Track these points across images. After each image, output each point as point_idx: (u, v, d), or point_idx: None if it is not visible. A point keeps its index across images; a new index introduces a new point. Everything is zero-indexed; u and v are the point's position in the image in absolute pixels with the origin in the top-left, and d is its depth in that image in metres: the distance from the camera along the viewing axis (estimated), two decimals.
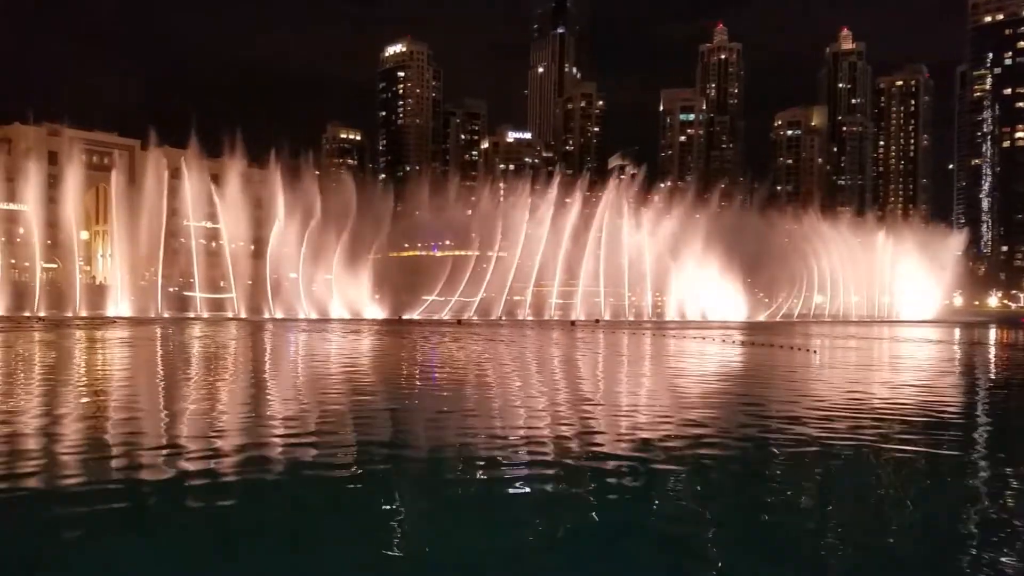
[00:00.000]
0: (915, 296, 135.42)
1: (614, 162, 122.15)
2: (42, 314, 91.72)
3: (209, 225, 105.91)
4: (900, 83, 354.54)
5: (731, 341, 41.33)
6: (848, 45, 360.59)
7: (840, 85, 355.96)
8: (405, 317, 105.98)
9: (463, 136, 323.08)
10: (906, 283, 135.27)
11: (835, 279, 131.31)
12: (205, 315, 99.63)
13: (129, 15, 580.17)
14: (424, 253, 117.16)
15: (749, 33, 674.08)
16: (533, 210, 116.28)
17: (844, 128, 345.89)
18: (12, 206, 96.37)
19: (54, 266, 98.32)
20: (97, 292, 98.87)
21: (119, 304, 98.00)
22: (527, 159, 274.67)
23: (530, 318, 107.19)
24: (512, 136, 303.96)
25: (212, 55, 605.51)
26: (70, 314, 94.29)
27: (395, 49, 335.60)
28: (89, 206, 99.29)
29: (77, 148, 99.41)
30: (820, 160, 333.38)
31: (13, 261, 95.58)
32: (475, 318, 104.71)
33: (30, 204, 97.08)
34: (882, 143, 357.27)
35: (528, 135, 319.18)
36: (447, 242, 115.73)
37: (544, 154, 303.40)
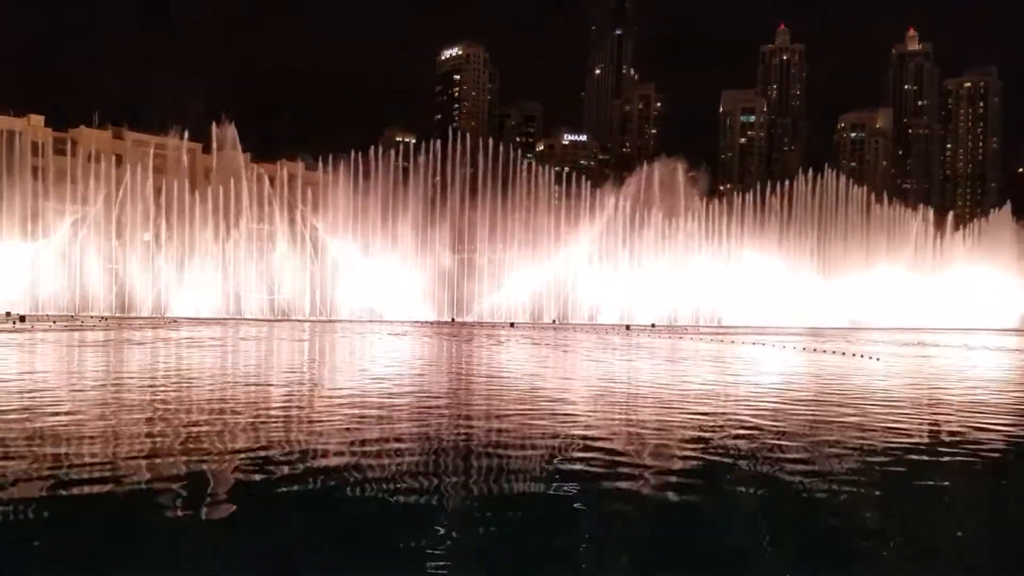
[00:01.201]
0: (993, 302, 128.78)
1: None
2: (106, 314, 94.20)
3: (268, 227, 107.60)
4: (968, 84, 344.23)
5: (806, 349, 40.01)
6: (915, 46, 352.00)
7: (906, 87, 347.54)
8: (458, 319, 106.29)
9: (518, 138, 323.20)
10: (985, 287, 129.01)
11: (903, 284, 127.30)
12: (268, 316, 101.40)
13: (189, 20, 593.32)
14: (476, 256, 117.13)
15: (812, 34, 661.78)
16: (591, 212, 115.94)
17: (910, 131, 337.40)
18: (77, 207, 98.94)
19: (117, 267, 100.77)
20: (158, 293, 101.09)
21: (180, 305, 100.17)
22: (583, 161, 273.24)
23: (584, 322, 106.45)
24: (568, 138, 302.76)
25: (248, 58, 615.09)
26: (132, 314, 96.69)
27: (451, 52, 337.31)
28: (152, 208, 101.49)
29: (141, 151, 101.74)
30: (885, 163, 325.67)
31: (79, 262, 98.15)
32: (527, 321, 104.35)
33: (95, 206, 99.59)
34: (949, 146, 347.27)
35: (584, 137, 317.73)
36: (500, 245, 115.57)
37: (600, 156, 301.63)
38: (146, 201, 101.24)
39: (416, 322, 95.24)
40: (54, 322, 64.73)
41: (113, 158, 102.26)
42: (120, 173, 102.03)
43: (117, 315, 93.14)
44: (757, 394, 20.04)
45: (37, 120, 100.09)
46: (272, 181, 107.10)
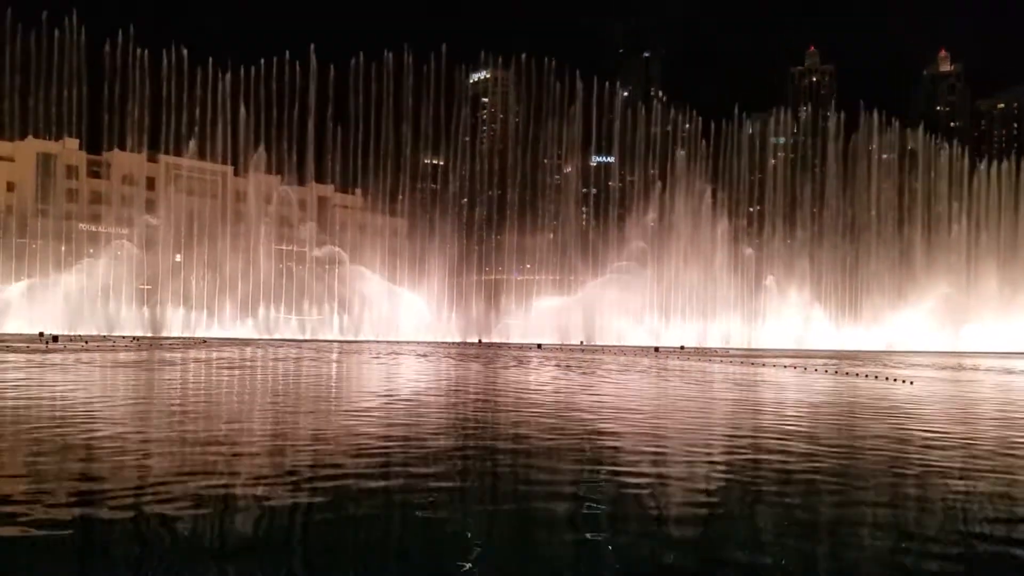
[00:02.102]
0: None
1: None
2: (138, 334, 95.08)
3: (297, 249, 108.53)
4: (1002, 105, 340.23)
5: (839, 372, 39.28)
6: (946, 67, 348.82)
7: (938, 108, 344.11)
8: (484, 340, 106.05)
9: (545, 160, 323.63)
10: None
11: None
12: (296, 336, 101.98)
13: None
14: (503, 277, 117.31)
15: (842, 55, 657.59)
16: (619, 234, 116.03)
17: (942, 152, 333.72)
18: (110, 230, 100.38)
19: (148, 287, 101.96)
20: (188, 313, 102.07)
21: (210, 326, 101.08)
22: (610, 183, 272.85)
23: (611, 343, 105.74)
24: (595, 160, 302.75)
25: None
26: (163, 334, 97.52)
27: (479, 75, 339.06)
28: (184, 229, 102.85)
29: (173, 174, 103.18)
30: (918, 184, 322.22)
31: (111, 283, 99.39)
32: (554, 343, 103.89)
33: (127, 228, 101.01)
34: (983, 167, 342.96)
35: (612, 159, 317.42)
36: (527, 266, 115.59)
37: (628, 178, 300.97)
38: (178, 223, 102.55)
39: (443, 343, 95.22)
40: (86, 343, 65.32)
41: (145, 181, 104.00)
42: (153, 196, 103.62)
43: (148, 335, 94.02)
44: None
45: (72, 143, 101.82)
46: (302, 203, 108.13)
